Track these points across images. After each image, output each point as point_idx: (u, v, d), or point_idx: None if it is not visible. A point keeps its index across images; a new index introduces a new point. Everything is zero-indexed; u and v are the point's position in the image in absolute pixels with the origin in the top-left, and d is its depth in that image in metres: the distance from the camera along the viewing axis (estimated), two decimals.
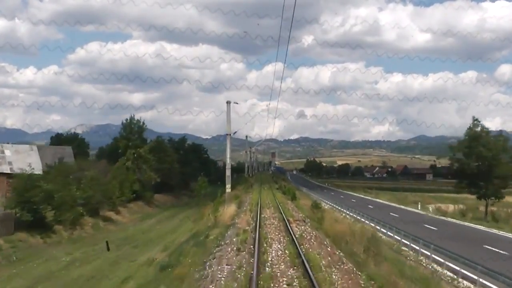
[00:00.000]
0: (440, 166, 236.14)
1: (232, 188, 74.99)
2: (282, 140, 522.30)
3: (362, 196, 72.95)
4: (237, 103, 40.01)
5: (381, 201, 62.09)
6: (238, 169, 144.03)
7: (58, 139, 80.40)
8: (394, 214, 42.39)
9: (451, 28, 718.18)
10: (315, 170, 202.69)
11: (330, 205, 49.39)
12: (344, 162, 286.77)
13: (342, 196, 69.65)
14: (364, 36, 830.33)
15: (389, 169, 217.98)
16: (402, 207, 52.74)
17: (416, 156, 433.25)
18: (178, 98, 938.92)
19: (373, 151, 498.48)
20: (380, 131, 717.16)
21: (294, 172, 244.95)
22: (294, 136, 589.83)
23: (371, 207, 51.30)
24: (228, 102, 37.67)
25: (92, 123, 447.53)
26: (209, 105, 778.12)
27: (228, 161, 37.59)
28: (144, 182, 62.79)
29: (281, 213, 30.61)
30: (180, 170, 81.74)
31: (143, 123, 65.92)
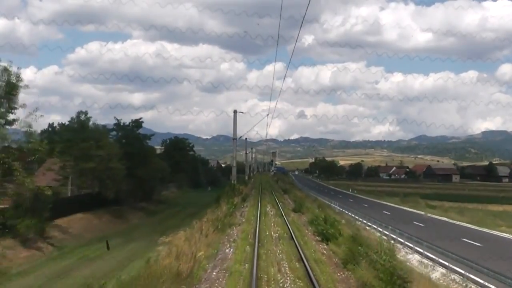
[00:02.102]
0: (462, 166, 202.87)
1: (213, 201, 40.65)
2: (282, 140, 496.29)
3: (451, 221, 37.27)
4: None
5: (494, 232, 27.24)
6: (237, 170, 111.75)
7: None
8: None
9: (452, 27, 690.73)
10: (325, 171, 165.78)
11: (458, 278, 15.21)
12: (345, 162, 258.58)
13: (420, 224, 34.13)
14: (365, 36, 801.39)
15: (407, 169, 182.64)
16: None
17: (419, 156, 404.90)
18: (178, 98, 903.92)
19: (374, 151, 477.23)
20: (380, 131, 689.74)
21: (296, 172, 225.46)
22: (294, 136, 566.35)
23: None
24: None
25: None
26: (209, 105, 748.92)
27: None
28: (20, 199, 28.41)
29: None
30: (135, 172, 48.45)
31: (19, 76, 28.51)
